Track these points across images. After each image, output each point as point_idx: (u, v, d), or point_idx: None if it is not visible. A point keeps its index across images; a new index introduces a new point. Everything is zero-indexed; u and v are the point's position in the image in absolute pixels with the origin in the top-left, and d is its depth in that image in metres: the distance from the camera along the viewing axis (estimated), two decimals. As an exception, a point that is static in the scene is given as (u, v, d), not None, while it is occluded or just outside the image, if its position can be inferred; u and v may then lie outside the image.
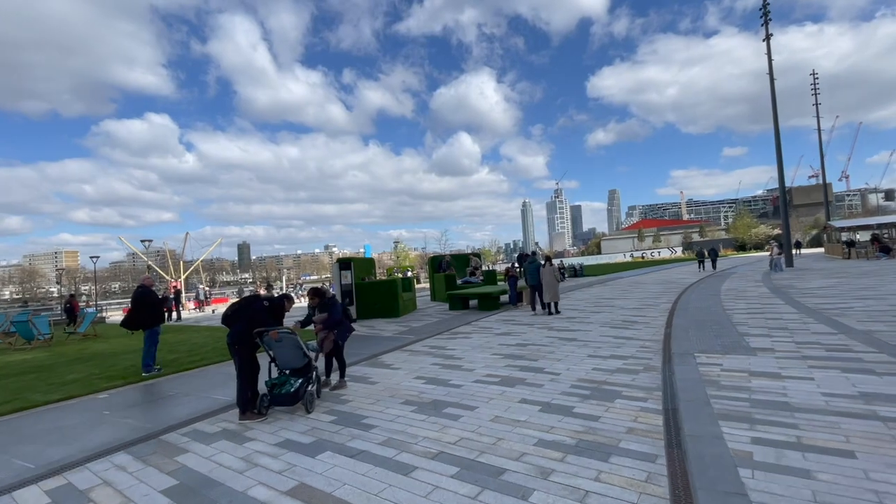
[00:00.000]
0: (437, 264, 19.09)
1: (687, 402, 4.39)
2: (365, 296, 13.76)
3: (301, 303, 24.79)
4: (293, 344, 4.96)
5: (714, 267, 25.76)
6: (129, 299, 8.06)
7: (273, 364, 5.16)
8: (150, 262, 36.33)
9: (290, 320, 5.66)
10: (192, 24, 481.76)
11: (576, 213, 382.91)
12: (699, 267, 26.46)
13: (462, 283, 17.60)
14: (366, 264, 16.04)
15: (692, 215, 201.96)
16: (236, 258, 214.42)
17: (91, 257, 32.48)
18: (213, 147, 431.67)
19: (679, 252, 78.03)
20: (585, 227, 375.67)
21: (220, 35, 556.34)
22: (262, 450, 3.92)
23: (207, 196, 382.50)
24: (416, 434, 4.03)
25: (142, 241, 27.76)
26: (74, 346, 12.63)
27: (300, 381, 4.95)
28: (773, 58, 24.99)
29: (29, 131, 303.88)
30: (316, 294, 5.82)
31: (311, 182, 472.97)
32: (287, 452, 3.81)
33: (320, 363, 5.89)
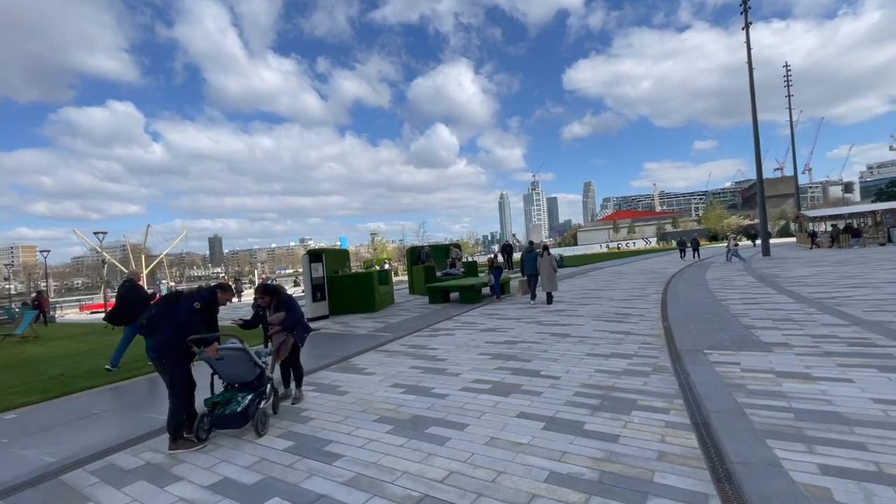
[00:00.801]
0: (415, 256, 18.18)
1: (718, 414, 3.68)
2: (338, 290, 12.75)
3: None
4: (240, 359, 4.01)
5: (696, 256, 25.77)
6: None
7: (216, 376, 4.20)
8: (107, 256, 34.12)
9: (231, 314, 4.69)
10: (156, 7, 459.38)
11: (552, 204, 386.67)
12: (681, 256, 26.45)
13: (442, 276, 16.76)
14: (339, 256, 14.98)
15: (664, 207, 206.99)
16: (208, 252, 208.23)
17: (41, 251, 30.20)
18: (181, 137, 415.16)
19: (654, 243, 79.33)
20: (561, 219, 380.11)
21: (187, 19, 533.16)
22: (188, 496, 2.99)
23: (177, 188, 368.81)
24: (392, 467, 3.17)
25: (95, 233, 25.78)
26: (7, 351, 11.20)
27: (250, 396, 4.01)
28: (740, 53, 24.93)
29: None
30: (267, 292, 4.84)
31: (286, 174, 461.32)
32: (221, 500, 2.89)
33: (277, 372, 4.95)
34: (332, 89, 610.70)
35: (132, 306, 7.02)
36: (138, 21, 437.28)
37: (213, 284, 4.34)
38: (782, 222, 73.24)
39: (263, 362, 4.28)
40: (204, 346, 3.87)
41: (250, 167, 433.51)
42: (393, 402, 4.62)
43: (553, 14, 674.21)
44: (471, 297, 12.88)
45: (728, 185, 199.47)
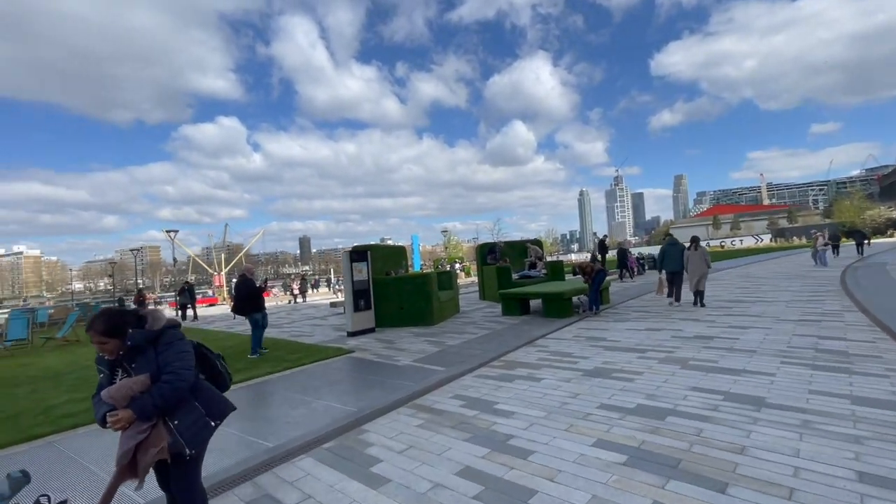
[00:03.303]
0: (486, 252, 15.17)
1: None
2: (387, 296, 10.18)
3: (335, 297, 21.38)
4: None
5: (860, 252, 19.71)
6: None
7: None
8: (190, 252, 35.56)
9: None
10: (256, 28, 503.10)
11: (637, 200, 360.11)
12: (834, 253, 20.46)
13: (519, 278, 13.59)
14: (393, 254, 12.42)
15: (774, 200, 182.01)
16: (298, 251, 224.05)
17: (132, 250, 32.20)
18: (277, 146, 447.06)
19: (766, 240, 68.24)
20: (648, 216, 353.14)
21: (281, 37, 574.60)
22: None
23: (273, 193, 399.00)
24: None
25: (167, 231, 26.24)
26: (33, 358, 10.17)
27: None
28: (875, 17, 18.35)
29: (119, 139, 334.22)
30: (112, 329, 2.10)
31: (368, 177, 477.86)
32: None
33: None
34: (410, 93, 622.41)
35: (247, 298, 8.07)
36: (242, 42, 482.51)
37: None
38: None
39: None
40: None
41: (336, 172, 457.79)
42: None
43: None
44: (559, 309, 9.58)
45: (856, 172, 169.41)
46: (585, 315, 9.53)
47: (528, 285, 12.16)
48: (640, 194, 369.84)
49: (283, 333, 10.74)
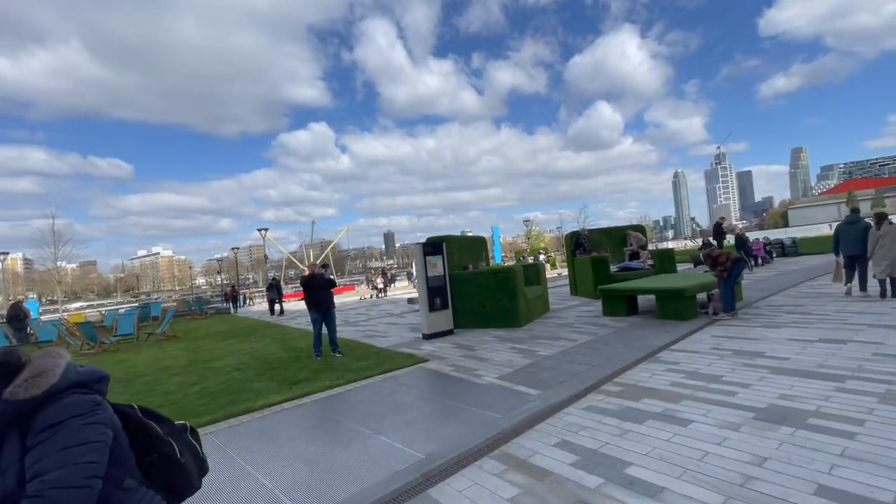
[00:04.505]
0: (575, 241, 13.32)
1: None
2: (466, 293, 8.97)
3: (405, 291, 20.43)
4: None
5: None
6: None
7: None
8: (284, 250, 37.59)
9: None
10: (340, 35, 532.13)
11: (744, 180, 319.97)
12: None
13: (618, 271, 11.61)
14: (471, 245, 11.15)
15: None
16: (383, 246, 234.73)
17: (233, 249, 34.94)
18: (362, 147, 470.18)
19: (926, 218, 55.88)
20: (758, 197, 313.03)
21: (364, 41, 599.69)
22: None
23: (360, 191, 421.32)
24: None
25: (258, 230, 27.68)
26: (129, 355, 10.59)
27: None
28: None
29: (228, 150, 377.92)
30: None
31: (448, 170, 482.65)
32: None
33: None
34: (487, 83, 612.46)
35: (312, 293, 7.76)
36: (329, 50, 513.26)
37: None
38: None
39: None
40: None
41: (417, 167, 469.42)
42: None
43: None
44: (680, 309, 7.63)
45: None
46: (718, 318, 7.47)
47: (631, 279, 10.19)
48: (748, 173, 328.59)
49: (357, 333, 10.05)
